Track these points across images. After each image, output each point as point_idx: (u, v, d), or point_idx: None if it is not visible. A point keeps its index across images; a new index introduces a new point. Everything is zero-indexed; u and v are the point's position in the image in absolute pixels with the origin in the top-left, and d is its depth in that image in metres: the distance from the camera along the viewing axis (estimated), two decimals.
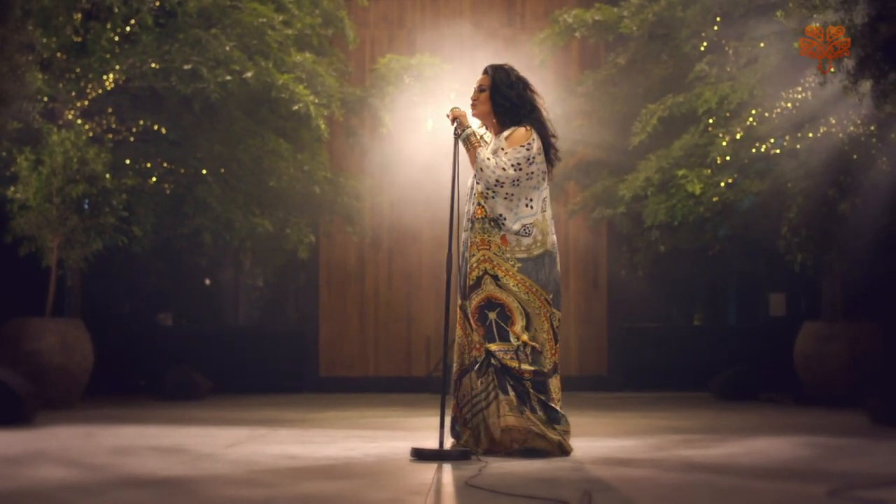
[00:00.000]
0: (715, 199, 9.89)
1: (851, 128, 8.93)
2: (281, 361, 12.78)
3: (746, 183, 9.87)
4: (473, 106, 6.06)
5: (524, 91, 6.01)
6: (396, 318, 12.86)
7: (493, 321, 5.76)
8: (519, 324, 5.73)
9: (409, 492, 4.45)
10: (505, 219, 5.77)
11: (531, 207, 5.81)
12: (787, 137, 9.55)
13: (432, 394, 10.91)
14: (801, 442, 6.42)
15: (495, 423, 5.73)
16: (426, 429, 7.11)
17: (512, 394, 5.70)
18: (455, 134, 5.99)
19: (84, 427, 7.48)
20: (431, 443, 5.75)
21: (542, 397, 5.72)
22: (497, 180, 5.76)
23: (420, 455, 5.55)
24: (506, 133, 5.92)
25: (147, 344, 12.44)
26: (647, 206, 10.24)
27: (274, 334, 13.11)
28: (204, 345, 12.50)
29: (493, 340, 5.75)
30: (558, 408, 5.75)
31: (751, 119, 9.65)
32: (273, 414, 8.96)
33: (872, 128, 8.80)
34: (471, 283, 5.81)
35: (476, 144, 5.91)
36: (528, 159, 5.79)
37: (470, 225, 5.88)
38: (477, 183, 5.86)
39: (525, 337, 5.72)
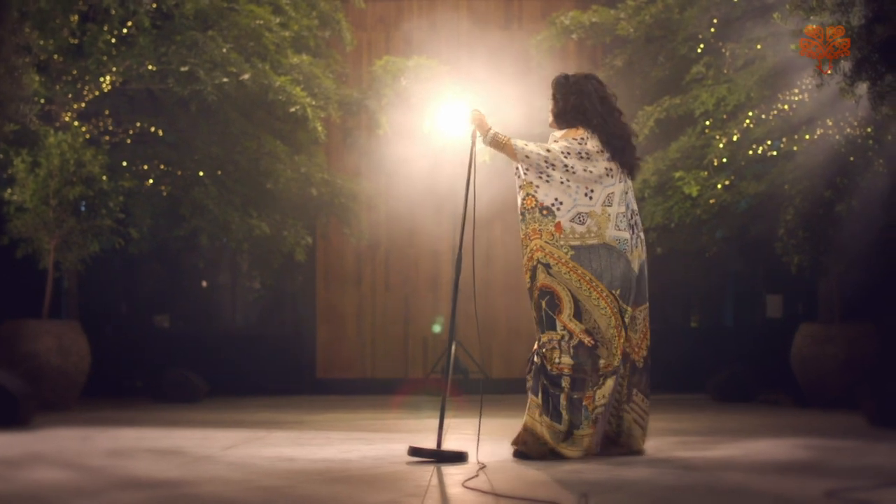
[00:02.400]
0: (712, 200, 9.89)
1: (848, 130, 8.94)
2: (278, 363, 12.76)
3: (743, 185, 9.88)
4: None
5: (577, 99, 6.04)
6: (394, 320, 12.86)
7: (544, 311, 5.75)
8: (566, 312, 5.71)
9: (406, 494, 4.45)
10: (562, 203, 5.77)
11: (590, 198, 5.80)
12: (784, 139, 9.56)
13: (430, 396, 10.91)
14: (798, 443, 6.42)
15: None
16: (424, 431, 7.11)
17: (540, 396, 5.74)
18: (474, 138, 6.01)
19: (81, 429, 7.47)
20: (430, 445, 5.75)
21: (577, 395, 5.68)
22: (546, 160, 5.79)
23: (417, 453, 5.56)
24: (559, 133, 6.04)
25: (144, 346, 12.44)
26: (644, 207, 10.24)
27: (271, 336, 13.09)
28: (201, 347, 12.49)
29: (543, 331, 5.76)
30: (591, 408, 5.71)
31: (748, 121, 9.66)
32: (270, 416, 8.95)
33: (869, 129, 8.81)
34: (528, 274, 5.82)
35: (506, 139, 5.92)
36: (580, 153, 5.82)
37: (521, 217, 5.88)
38: (526, 171, 5.86)
39: (571, 325, 5.70)
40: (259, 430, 7.53)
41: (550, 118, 6.16)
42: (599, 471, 5.22)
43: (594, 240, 5.74)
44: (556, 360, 5.70)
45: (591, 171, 5.81)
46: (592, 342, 5.70)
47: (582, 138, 5.88)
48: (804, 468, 5.41)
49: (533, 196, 5.82)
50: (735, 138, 9.75)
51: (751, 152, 9.77)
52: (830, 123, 9.07)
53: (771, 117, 9.51)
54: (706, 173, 9.94)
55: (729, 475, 5.12)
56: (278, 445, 6.44)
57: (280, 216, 10.85)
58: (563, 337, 5.70)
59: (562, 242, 5.73)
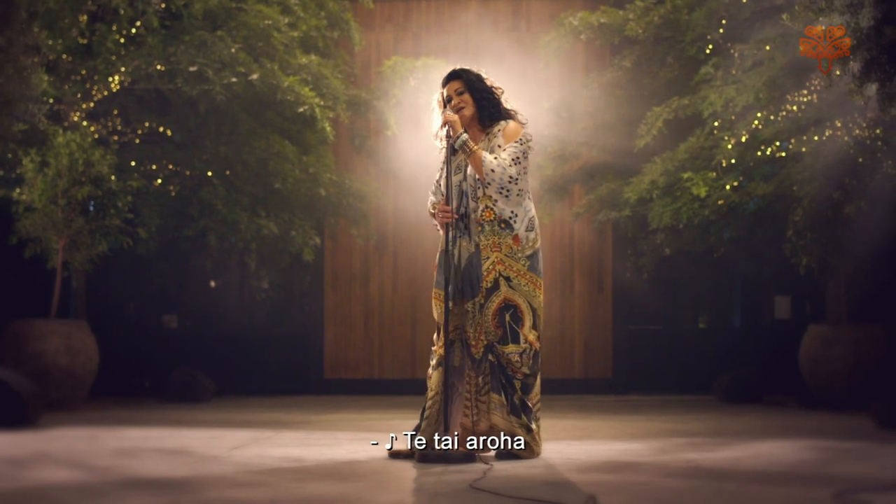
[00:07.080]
0: (720, 201, 9.88)
1: (857, 131, 8.93)
2: (286, 364, 12.77)
3: (752, 186, 9.86)
4: (459, 110, 6.08)
5: (492, 88, 6.21)
6: (401, 321, 12.86)
7: (508, 323, 5.88)
8: (527, 324, 5.88)
9: (413, 494, 4.45)
10: (516, 216, 5.86)
11: (530, 199, 6.00)
12: (793, 140, 9.54)
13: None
14: (805, 445, 6.42)
15: (477, 420, 5.89)
16: None
17: (502, 395, 5.87)
18: (448, 137, 6.01)
19: (88, 429, 7.49)
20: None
21: (525, 398, 5.86)
22: (510, 177, 5.84)
23: (425, 458, 5.57)
24: (498, 128, 6.00)
25: (152, 346, 12.46)
26: (653, 208, 10.23)
27: (279, 336, 13.11)
28: (209, 347, 12.51)
29: (506, 343, 5.88)
30: (534, 408, 5.89)
31: (756, 122, 9.63)
32: (278, 416, 8.96)
33: (878, 131, 8.80)
34: (488, 286, 5.91)
35: (476, 148, 5.91)
36: (524, 153, 5.93)
37: (480, 228, 5.91)
38: (487, 185, 5.87)
39: (531, 337, 5.86)
40: (267, 430, 7.54)
41: (470, 111, 6.11)
42: (606, 472, 5.23)
43: (539, 241, 5.98)
44: (517, 369, 5.86)
45: (527, 171, 5.98)
46: (539, 347, 5.94)
47: (521, 138, 5.97)
48: (812, 470, 5.40)
49: (491, 209, 5.90)
50: (743, 139, 9.73)
51: (759, 153, 9.75)
52: (839, 125, 9.04)
53: (779, 118, 9.49)
54: (714, 174, 9.93)
55: (736, 477, 5.12)
56: (286, 445, 6.45)
57: (288, 216, 10.85)
58: (524, 350, 5.86)
59: (519, 255, 5.88)
